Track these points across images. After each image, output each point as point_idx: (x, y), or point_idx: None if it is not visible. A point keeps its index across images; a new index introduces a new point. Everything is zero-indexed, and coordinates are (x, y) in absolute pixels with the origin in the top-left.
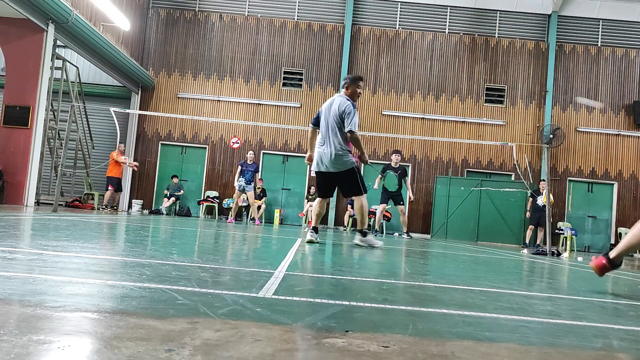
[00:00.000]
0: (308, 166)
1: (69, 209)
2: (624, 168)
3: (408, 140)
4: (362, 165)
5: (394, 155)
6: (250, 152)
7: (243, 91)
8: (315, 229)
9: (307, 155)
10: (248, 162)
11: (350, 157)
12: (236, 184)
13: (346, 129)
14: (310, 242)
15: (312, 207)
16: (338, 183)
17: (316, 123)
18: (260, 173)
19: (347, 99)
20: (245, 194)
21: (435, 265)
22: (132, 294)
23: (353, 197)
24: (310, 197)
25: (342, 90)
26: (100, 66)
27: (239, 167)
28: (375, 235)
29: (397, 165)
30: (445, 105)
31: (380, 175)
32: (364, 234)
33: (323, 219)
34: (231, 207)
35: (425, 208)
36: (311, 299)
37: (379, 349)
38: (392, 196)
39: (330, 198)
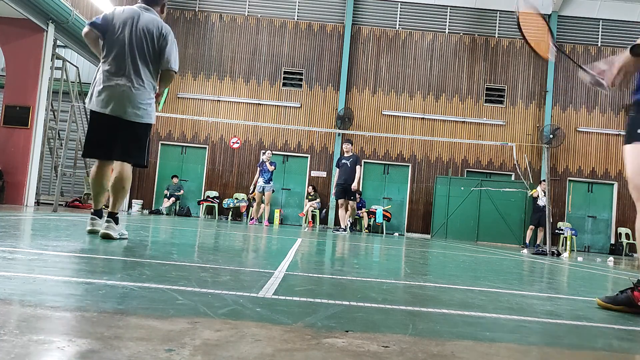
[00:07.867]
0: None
1: (69, 209)
2: (624, 168)
3: (408, 140)
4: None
5: (344, 144)
6: (269, 151)
7: (243, 91)
8: (97, 213)
9: None
10: (266, 162)
11: (154, 106)
12: (257, 187)
13: (172, 66)
14: (91, 231)
15: (91, 179)
16: (122, 137)
17: (103, 28)
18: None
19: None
20: (264, 194)
21: (435, 265)
22: (132, 294)
23: (125, 163)
24: (310, 197)
25: (156, 8)
26: None
27: (258, 169)
28: (348, 233)
29: (348, 155)
30: (445, 105)
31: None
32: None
33: (322, 218)
34: (231, 207)
35: (425, 208)
36: (311, 299)
37: (379, 349)
38: (345, 188)
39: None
